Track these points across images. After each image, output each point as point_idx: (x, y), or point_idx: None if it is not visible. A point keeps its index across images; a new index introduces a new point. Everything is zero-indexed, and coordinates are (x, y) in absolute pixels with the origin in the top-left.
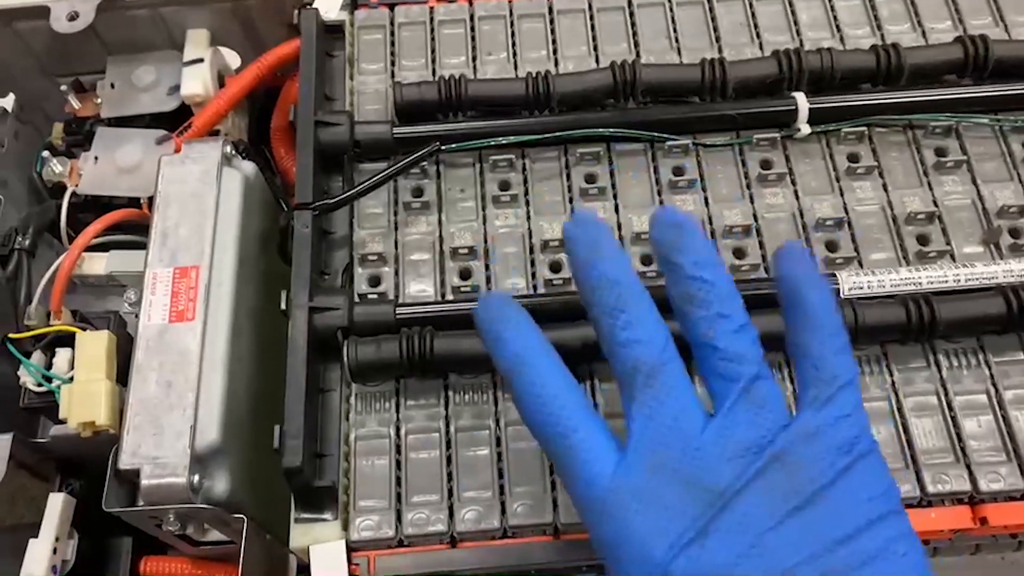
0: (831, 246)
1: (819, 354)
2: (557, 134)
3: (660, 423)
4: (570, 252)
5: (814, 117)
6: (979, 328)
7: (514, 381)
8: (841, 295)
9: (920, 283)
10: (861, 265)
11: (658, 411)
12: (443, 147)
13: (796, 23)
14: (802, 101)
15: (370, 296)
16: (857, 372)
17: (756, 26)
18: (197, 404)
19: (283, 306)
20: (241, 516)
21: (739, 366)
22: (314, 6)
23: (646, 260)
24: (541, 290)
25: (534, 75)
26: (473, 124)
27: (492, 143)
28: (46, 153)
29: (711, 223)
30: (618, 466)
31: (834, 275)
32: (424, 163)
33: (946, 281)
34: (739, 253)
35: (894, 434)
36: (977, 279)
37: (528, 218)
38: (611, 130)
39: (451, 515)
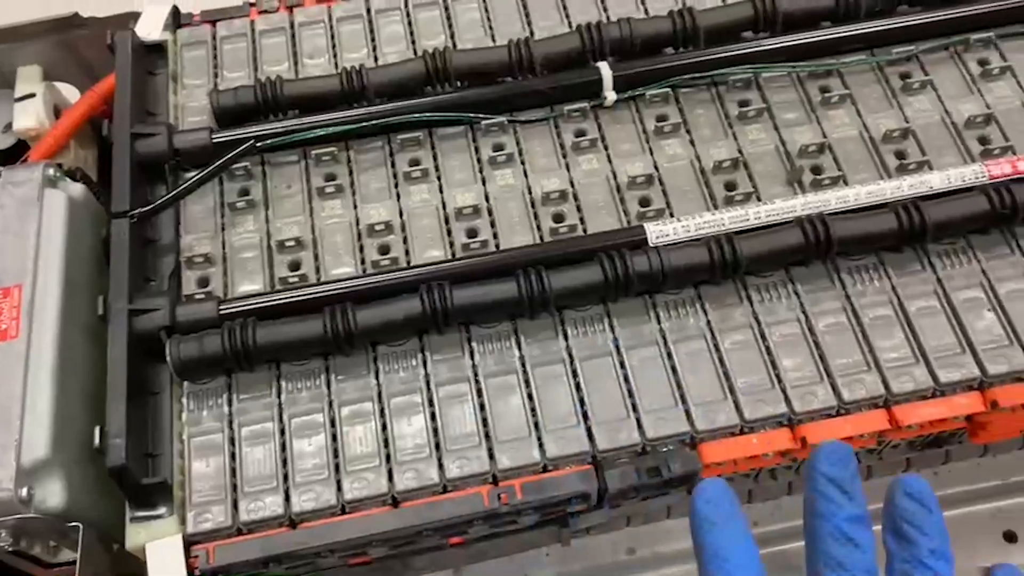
0: (644, 202)
1: None
2: (373, 123)
3: None
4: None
5: (622, 84)
6: (782, 259)
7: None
8: (649, 244)
9: (723, 224)
10: (673, 216)
11: None
12: (258, 143)
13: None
14: (605, 70)
15: (197, 296)
16: None
17: (565, 7)
18: (23, 419)
19: (100, 311)
20: (77, 524)
21: None
22: (136, 29)
23: (471, 233)
24: (370, 270)
25: (348, 69)
26: (292, 122)
27: (309, 136)
28: None
29: (530, 192)
30: None
31: (641, 226)
32: (248, 165)
33: (747, 219)
34: (558, 217)
35: (714, 371)
36: (777, 214)
37: (355, 207)
38: (427, 115)
39: (287, 498)
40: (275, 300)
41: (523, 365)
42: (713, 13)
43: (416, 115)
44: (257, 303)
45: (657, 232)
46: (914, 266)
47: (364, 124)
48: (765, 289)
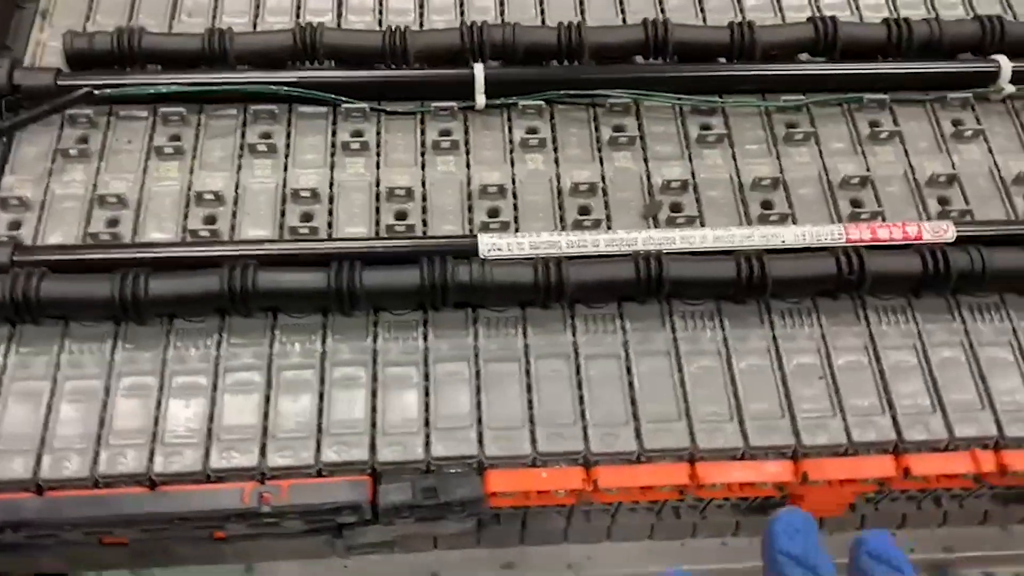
0: (492, 212)
1: None
2: (223, 88)
3: None
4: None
5: (496, 89)
6: (612, 293)
7: None
8: (480, 255)
9: (560, 247)
10: (519, 231)
11: None
12: (97, 92)
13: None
14: (479, 71)
15: (2, 239)
16: None
17: (462, 4)
18: None
19: None
20: None
21: None
22: None
23: (305, 217)
24: (189, 240)
25: (211, 29)
26: (142, 76)
27: (149, 92)
28: None
29: (378, 185)
30: None
31: (475, 236)
32: (91, 113)
33: (585, 246)
34: (400, 215)
35: (520, 396)
36: (616, 245)
37: (191, 172)
38: (286, 89)
39: (38, 462)
40: (74, 256)
41: (322, 363)
42: (602, 31)
43: (274, 88)
44: (56, 257)
45: (490, 245)
46: (753, 321)
47: (214, 88)
48: (592, 320)
